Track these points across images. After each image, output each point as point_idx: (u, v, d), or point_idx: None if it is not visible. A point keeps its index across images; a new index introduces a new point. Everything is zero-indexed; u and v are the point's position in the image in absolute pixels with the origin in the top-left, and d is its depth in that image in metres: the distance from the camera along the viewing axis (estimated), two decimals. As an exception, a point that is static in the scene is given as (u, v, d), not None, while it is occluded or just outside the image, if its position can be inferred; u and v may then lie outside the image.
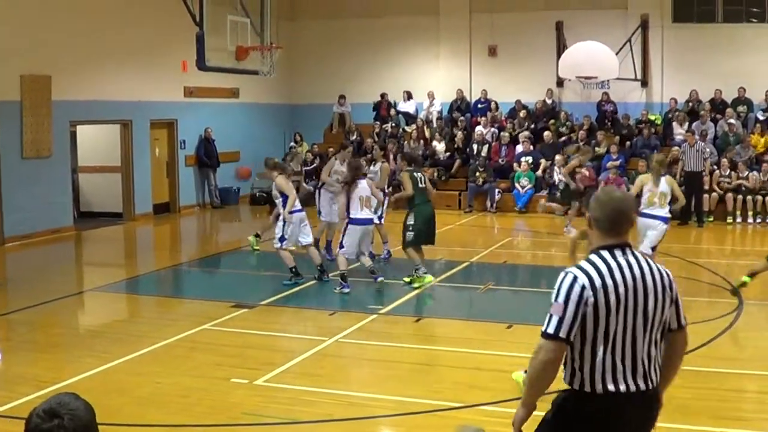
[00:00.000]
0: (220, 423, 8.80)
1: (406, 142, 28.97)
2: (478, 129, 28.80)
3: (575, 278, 4.87)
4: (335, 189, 17.80)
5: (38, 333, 12.78)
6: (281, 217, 15.62)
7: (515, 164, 27.29)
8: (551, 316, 4.94)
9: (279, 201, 15.72)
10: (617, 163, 25.91)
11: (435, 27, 30.98)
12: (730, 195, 24.05)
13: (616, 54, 26.21)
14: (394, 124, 30.57)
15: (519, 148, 27.81)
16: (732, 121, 26.46)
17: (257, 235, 19.63)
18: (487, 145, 28.23)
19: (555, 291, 4.95)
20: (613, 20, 28.40)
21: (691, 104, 27.98)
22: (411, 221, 15.34)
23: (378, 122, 30.64)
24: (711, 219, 23.95)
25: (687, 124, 27.00)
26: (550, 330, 4.94)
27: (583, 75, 25.78)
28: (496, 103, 30.01)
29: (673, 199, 14.89)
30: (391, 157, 26.79)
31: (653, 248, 14.44)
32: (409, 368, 10.90)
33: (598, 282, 4.82)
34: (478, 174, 26.96)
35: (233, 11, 23.00)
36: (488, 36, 30.55)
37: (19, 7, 20.83)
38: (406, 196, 15.50)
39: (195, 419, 8.89)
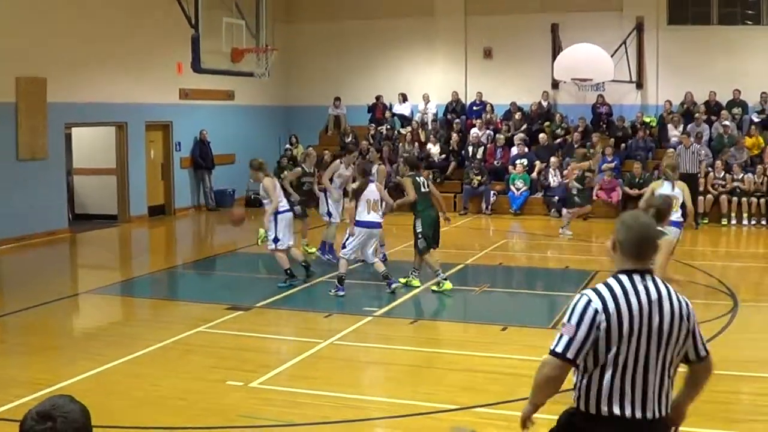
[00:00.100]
0: (216, 425, 8.80)
1: (401, 144, 28.98)
2: (474, 131, 28.83)
3: (589, 301, 4.86)
4: (335, 196, 17.83)
5: (33, 335, 12.78)
6: (271, 219, 15.64)
7: (510, 166, 27.31)
8: (562, 335, 4.95)
9: (266, 202, 15.74)
10: (612, 165, 25.97)
11: (430, 29, 30.98)
12: (724, 197, 24.08)
13: (611, 56, 26.25)
14: (389, 127, 30.57)
15: (514, 151, 27.83)
16: (727, 123, 26.49)
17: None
18: (482, 148, 28.25)
19: (569, 312, 4.95)
20: (609, 22, 28.43)
21: (686, 106, 28.02)
22: (419, 228, 15.23)
23: (373, 124, 30.67)
24: (706, 221, 23.99)
25: (682, 126, 27.03)
26: (558, 349, 4.96)
27: (578, 77, 25.82)
28: (491, 106, 30.02)
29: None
30: (386, 159, 26.84)
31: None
32: (404, 370, 10.91)
33: (611, 307, 4.79)
34: (473, 176, 26.98)
35: (229, 13, 23.01)
36: (484, 38, 30.58)
37: (15, 10, 20.82)
38: (408, 201, 15.44)
39: (190, 421, 8.89)
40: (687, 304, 4.98)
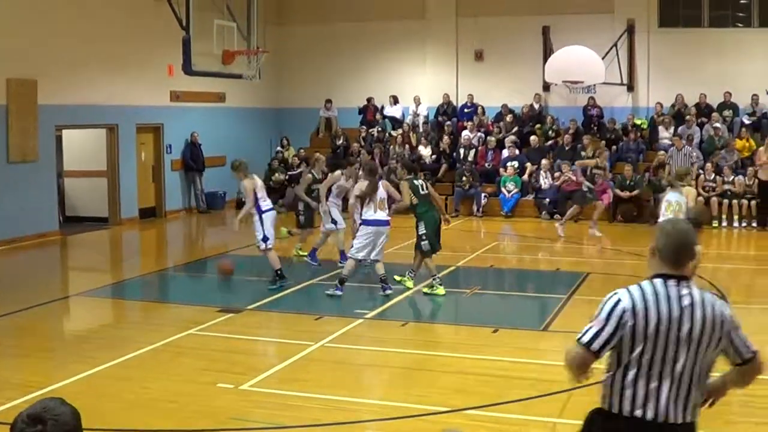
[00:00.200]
0: (207, 428, 8.78)
1: (392, 146, 28.98)
2: (465, 133, 28.84)
3: (619, 300, 4.91)
4: (324, 207, 17.79)
5: (24, 338, 12.75)
6: (257, 219, 15.65)
7: (501, 169, 27.32)
8: (590, 327, 4.98)
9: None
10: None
11: (422, 31, 30.99)
12: (715, 199, 24.12)
13: (603, 58, 26.29)
14: (380, 129, 30.56)
15: (505, 153, 27.85)
16: (717, 125, 26.54)
17: (290, 232, 19.51)
18: (473, 150, 28.27)
19: (600, 307, 4.99)
20: (600, 25, 28.45)
21: (677, 108, 28.06)
22: (423, 230, 15.17)
23: (364, 126, 30.65)
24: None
25: (672, 128, 27.07)
26: (584, 339, 4.98)
27: (570, 79, 25.86)
28: (482, 108, 30.02)
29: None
30: (378, 161, 26.85)
31: None
32: (395, 372, 10.92)
33: (640, 308, 4.84)
34: (464, 178, 26.99)
35: (220, 15, 22.99)
36: (475, 40, 30.59)
37: (6, 11, 20.78)
38: (403, 207, 15.42)
39: (181, 424, 8.88)
40: (723, 311, 4.96)
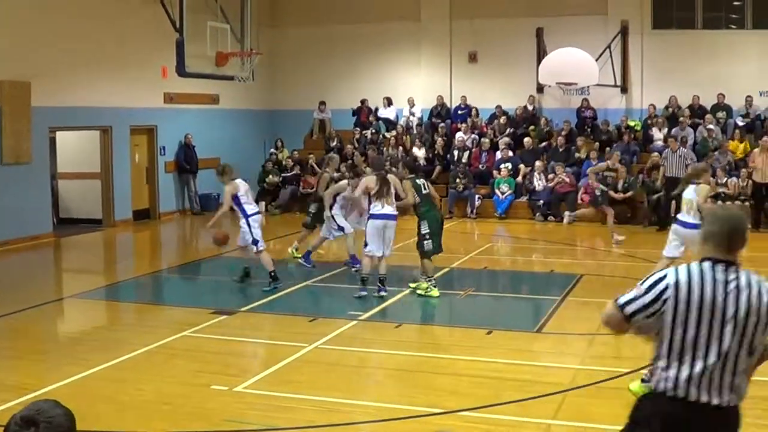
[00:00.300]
0: (200, 430, 8.78)
1: (385, 148, 28.97)
2: (459, 135, 28.85)
3: (665, 276, 5.01)
4: (328, 213, 17.73)
5: (18, 340, 12.74)
6: (244, 224, 15.67)
7: (495, 171, 27.33)
8: (631, 292, 5.09)
9: (235, 207, 15.79)
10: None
11: (416, 33, 30.99)
12: (709, 200, 24.07)
13: (596, 60, 26.31)
14: (374, 131, 30.57)
15: (499, 155, 27.85)
16: (711, 126, 26.56)
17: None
18: (467, 152, 28.28)
19: (646, 278, 5.15)
20: (593, 26, 28.49)
21: (671, 110, 28.08)
22: (426, 229, 15.13)
23: (358, 128, 30.64)
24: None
25: (666, 129, 27.10)
26: (621, 300, 5.09)
27: (563, 81, 25.88)
28: (476, 110, 30.04)
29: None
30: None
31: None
32: (389, 374, 10.92)
33: (683, 288, 4.92)
34: (458, 180, 27.00)
35: (213, 17, 22.99)
36: (469, 42, 30.61)
37: (-1, 13, 20.81)
38: (408, 204, 15.37)
39: (175, 426, 8.87)
40: None
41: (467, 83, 30.64)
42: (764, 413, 9.05)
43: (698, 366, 4.90)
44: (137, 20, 24.73)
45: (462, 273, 17.89)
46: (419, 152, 28.66)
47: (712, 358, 4.89)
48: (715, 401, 4.90)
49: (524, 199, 26.77)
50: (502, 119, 29.38)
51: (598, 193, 22.27)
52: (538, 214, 26.09)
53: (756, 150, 24.34)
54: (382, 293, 14.96)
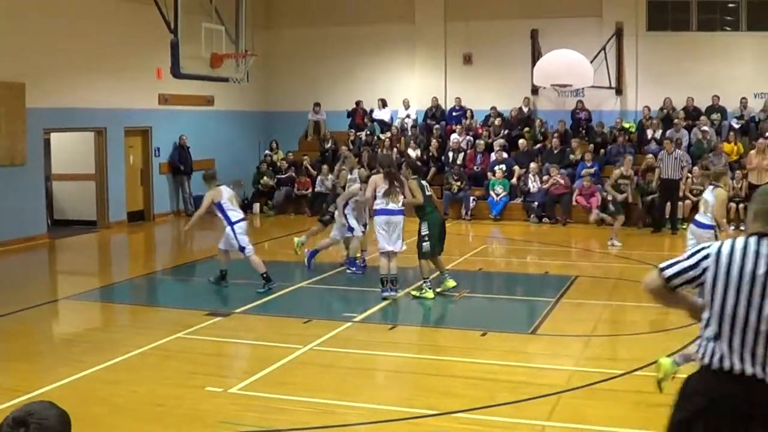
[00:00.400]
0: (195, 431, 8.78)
1: (380, 149, 28.95)
2: (453, 137, 28.86)
3: (708, 247, 5.11)
4: (342, 220, 17.66)
5: (12, 341, 12.71)
6: (230, 231, 15.68)
7: (489, 172, 27.33)
8: (674, 258, 5.21)
9: (219, 213, 15.81)
10: (592, 170, 26.05)
11: (410, 35, 31.01)
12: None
13: (591, 62, 26.31)
14: (369, 132, 30.57)
15: (493, 156, 27.85)
16: (705, 128, 26.58)
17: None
18: (462, 153, 28.28)
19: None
20: (588, 28, 28.52)
21: (665, 111, 28.10)
22: (426, 230, 15.12)
23: (353, 130, 30.65)
24: (685, 226, 23.98)
25: (660, 131, 27.12)
26: (662, 264, 5.21)
27: (558, 83, 25.87)
28: (471, 111, 30.06)
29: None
30: (366, 164, 26.86)
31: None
32: (383, 376, 10.92)
33: (724, 259, 4.98)
34: (453, 182, 27.00)
35: (208, 19, 22.97)
36: (463, 44, 30.64)
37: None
38: (417, 203, 15.34)
39: (169, 428, 8.87)
40: None
41: (462, 85, 30.68)
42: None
43: (738, 338, 4.92)
44: (132, 21, 24.70)
45: (457, 275, 17.80)
46: (414, 154, 28.66)
47: (751, 330, 4.90)
48: (759, 374, 4.90)
49: (519, 200, 26.79)
50: (497, 121, 29.39)
51: (609, 199, 22.05)
52: (532, 215, 26.12)
53: (752, 152, 24.36)
54: (387, 294, 14.97)
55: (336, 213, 18.02)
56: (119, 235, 24.93)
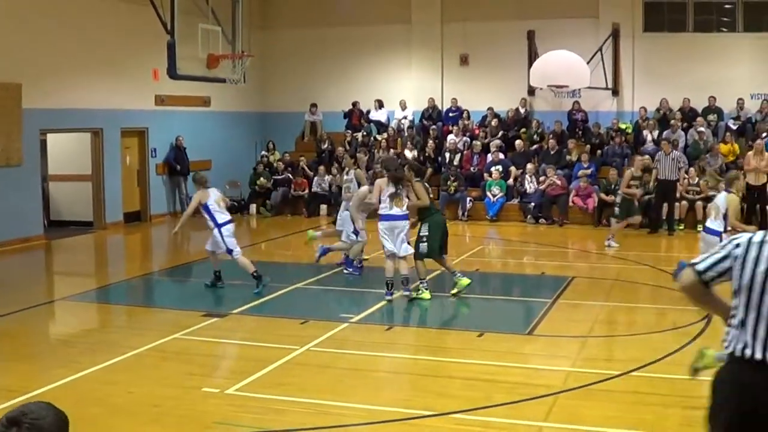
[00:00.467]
0: (192, 432, 8.79)
1: (377, 150, 28.96)
2: (450, 138, 28.85)
3: (738, 237, 5.15)
4: (359, 224, 17.62)
5: (8, 343, 12.69)
6: (217, 233, 15.72)
7: (486, 173, 27.33)
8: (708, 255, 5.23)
9: (206, 215, 15.84)
10: (588, 171, 26.07)
11: (407, 36, 31.02)
12: (700, 203, 24.14)
13: (587, 63, 26.32)
14: (365, 133, 30.57)
15: (490, 157, 27.85)
16: (702, 129, 26.59)
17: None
18: (458, 154, 28.28)
19: None
20: (585, 29, 28.52)
21: (662, 112, 28.12)
22: (425, 232, 15.11)
23: (350, 131, 30.63)
24: (681, 227, 24.04)
25: (657, 132, 27.13)
26: (694, 260, 5.26)
27: (555, 84, 25.89)
28: (467, 112, 30.07)
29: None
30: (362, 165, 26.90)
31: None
32: (380, 377, 10.91)
33: (754, 248, 5.03)
34: (449, 183, 26.99)
35: (205, 19, 22.92)
36: (460, 45, 30.64)
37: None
38: (423, 205, 15.32)
39: (166, 428, 8.86)
40: None
41: (458, 86, 30.68)
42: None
43: (762, 327, 4.97)
44: (128, 22, 24.70)
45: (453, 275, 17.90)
46: (410, 154, 28.65)
47: None
48: None
49: (515, 201, 26.78)
50: (494, 122, 29.40)
51: (618, 202, 21.85)
52: (529, 216, 26.11)
53: (750, 153, 24.39)
54: (405, 292, 14.98)
55: (340, 216, 18.12)
56: (116, 236, 24.92)
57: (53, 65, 22.65)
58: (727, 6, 28.64)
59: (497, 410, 9.23)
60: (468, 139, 29.12)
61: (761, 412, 4.93)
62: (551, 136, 28.04)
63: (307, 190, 28.72)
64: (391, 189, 14.85)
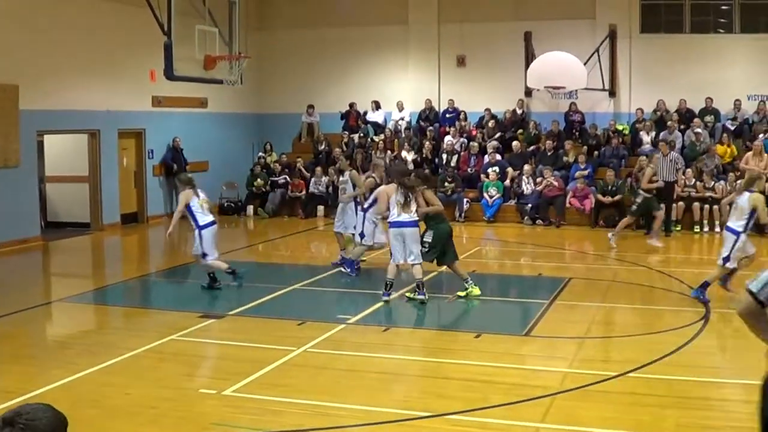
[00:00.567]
0: (189, 434, 8.79)
1: (374, 152, 28.96)
2: (447, 139, 28.86)
3: None
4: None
5: (5, 344, 12.67)
6: (197, 234, 15.80)
7: (483, 174, 27.33)
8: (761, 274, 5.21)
9: (188, 216, 15.87)
10: (585, 172, 26.06)
11: (404, 37, 31.01)
12: (697, 204, 24.16)
13: (584, 64, 26.33)
14: (362, 134, 30.57)
15: (487, 158, 27.85)
16: (699, 130, 26.60)
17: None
18: (456, 155, 28.29)
19: None
20: (582, 30, 28.52)
21: (659, 114, 28.13)
22: (428, 239, 15.18)
23: (347, 132, 30.63)
24: (678, 228, 24.05)
25: (653, 133, 27.15)
26: (750, 285, 5.21)
27: (552, 85, 25.89)
28: (464, 113, 30.07)
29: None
30: (359, 167, 26.93)
31: (725, 259, 14.42)
32: (377, 378, 10.90)
33: None
34: (446, 184, 26.99)
35: (201, 21, 22.93)
36: (457, 46, 30.64)
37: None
38: (438, 210, 15.40)
39: (164, 430, 8.86)
40: None
41: (456, 87, 30.67)
42: (753, 416, 9.08)
43: None
44: (125, 24, 24.68)
45: (450, 276, 17.82)
46: (408, 156, 28.66)
47: None
48: None
49: (512, 202, 26.78)
50: (491, 123, 29.40)
51: (639, 201, 21.76)
52: (526, 217, 26.11)
53: (750, 153, 24.40)
54: (420, 297, 14.96)
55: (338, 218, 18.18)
56: (113, 237, 24.90)
57: (50, 66, 22.63)
58: (723, 7, 28.66)
59: (494, 411, 9.23)
60: (465, 141, 29.11)
61: None
62: (548, 137, 28.04)
63: (304, 192, 28.70)
64: (398, 196, 14.85)
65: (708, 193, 24.26)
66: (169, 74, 21.78)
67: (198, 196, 16.00)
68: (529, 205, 26.08)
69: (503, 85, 29.76)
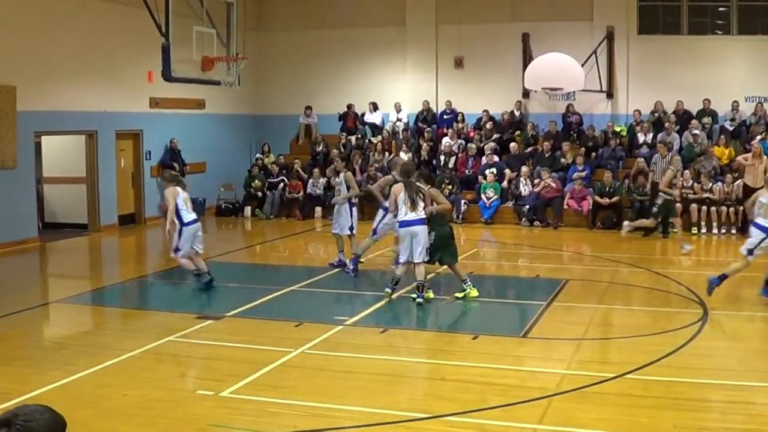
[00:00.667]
0: (186, 435, 8.78)
1: (371, 153, 28.96)
2: (445, 140, 28.87)
3: None
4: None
5: (2, 345, 12.65)
6: (177, 229, 15.87)
7: (480, 176, 27.32)
8: None
9: (182, 210, 15.99)
10: (583, 174, 26.06)
11: (402, 38, 31.01)
12: (695, 205, 24.16)
13: (582, 65, 26.32)
14: (360, 136, 30.58)
15: (484, 160, 27.84)
16: (696, 131, 26.61)
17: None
18: (453, 157, 28.29)
19: None
20: (579, 32, 28.53)
21: (657, 115, 28.14)
22: (431, 241, 15.19)
23: (344, 133, 30.64)
24: (676, 230, 24.02)
25: (651, 135, 27.15)
26: None
27: (549, 86, 25.88)
28: (462, 115, 30.07)
29: None
30: (357, 168, 26.92)
31: (750, 251, 14.52)
32: (374, 379, 10.89)
33: None
34: (444, 185, 26.97)
35: (199, 22, 22.89)
36: (455, 47, 30.65)
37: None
38: (447, 208, 15.47)
39: (161, 431, 8.85)
40: None
41: (453, 88, 30.68)
42: (750, 418, 9.09)
43: None
44: (123, 25, 24.65)
45: (448, 278, 17.82)
46: (405, 157, 28.59)
47: None
48: None
49: (510, 204, 26.78)
50: (488, 124, 29.40)
51: (659, 203, 21.66)
52: (523, 219, 26.11)
53: (748, 155, 24.41)
54: (419, 299, 14.93)
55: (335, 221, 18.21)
56: (110, 239, 24.89)
57: (48, 68, 22.62)
58: (721, 9, 28.67)
59: (492, 413, 9.23)
60: (463, 142, 29.11)
61: None
62: (546, 138, 28.04)
63: (301, 193, 28.69)
64: (406, 196, 14.84)
65: (706, 195, 24.27)
66: (167, 75, 21.75)
67: (182, 193, 16.08)
68: (527, 207, 26.08)
69: (501, 86, 29.76)
